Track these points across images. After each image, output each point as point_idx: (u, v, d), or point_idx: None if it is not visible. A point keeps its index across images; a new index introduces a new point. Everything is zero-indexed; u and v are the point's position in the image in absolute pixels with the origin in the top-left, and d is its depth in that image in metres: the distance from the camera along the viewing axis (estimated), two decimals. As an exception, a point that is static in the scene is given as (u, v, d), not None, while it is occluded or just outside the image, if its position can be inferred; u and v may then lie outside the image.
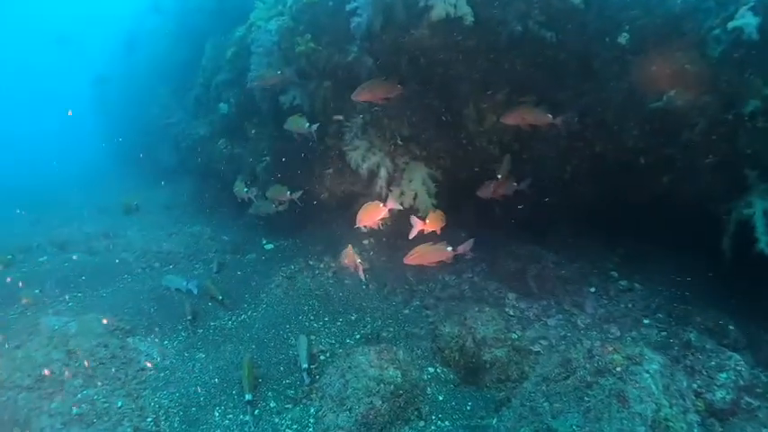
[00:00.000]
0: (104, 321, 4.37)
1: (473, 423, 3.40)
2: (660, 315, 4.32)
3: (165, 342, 4.47)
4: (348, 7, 3.80)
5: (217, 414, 3.52)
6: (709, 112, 3.44)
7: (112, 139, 13.21)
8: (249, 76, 5.14)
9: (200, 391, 3.74)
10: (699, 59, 3.31)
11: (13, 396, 3.39)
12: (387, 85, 3.82)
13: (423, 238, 3.84)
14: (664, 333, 4.06)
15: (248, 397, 3.52)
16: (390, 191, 4.53)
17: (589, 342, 3.93)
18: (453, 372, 3.88)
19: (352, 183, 5.35)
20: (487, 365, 3.73)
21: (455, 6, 3.37)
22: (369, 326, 4.61)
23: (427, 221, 3.66)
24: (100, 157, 14.61)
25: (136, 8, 12.12)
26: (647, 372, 2.85)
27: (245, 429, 3.38)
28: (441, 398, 3.61)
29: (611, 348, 3.11)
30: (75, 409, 3.28)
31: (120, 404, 3.44)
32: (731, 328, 3.84)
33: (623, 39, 3.74)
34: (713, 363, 3.24)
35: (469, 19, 3.46)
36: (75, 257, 6.50)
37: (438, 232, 3.72)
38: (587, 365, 3.12)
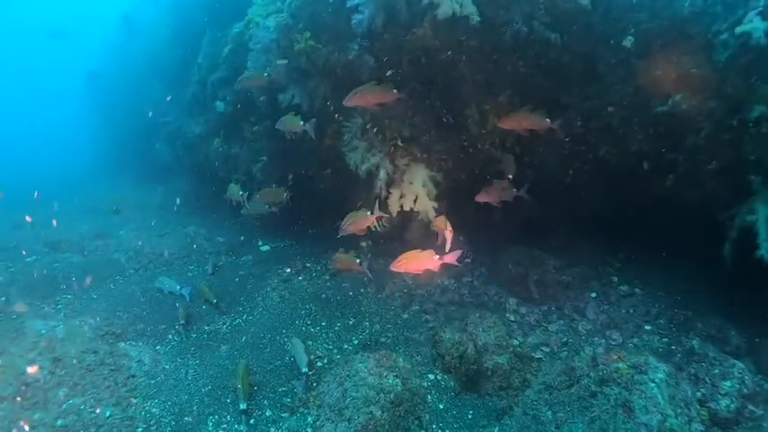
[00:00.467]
0: (93, 324, 4.24)
1: (474, 432, 3.33)
2: (661, 321, 4.28)
3: (158, 347, 4.35)
4: (349, 4, 3.71)
5: (210, 424, 3.40)
6: (715, 118, 3.40)
7: (106, 136, 13.00)
8: (244, 75, 5.04)
9: (193, 399, 3.62)
10: (705, 64, 3.27)
11: (-6, 406, 3.25)
12: (380, 90, 3.63)
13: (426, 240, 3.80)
14: (665, 340, 4.02)
15: (243, 406, 3.41)
16: (390, 193, 4.44)
17: (591, 349, 3.87)
18: (454, 379, 3.80)
19: (351, 184, 5.25)
20: (489, 373, 3.66)
21: (461, 5, 3.30)
22: (367, 331, 4.52)
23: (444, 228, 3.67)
24: (93, 154, 14.38)
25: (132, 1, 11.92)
26: (653, 381, 2.79)
27: (240, 440, 3.28)
28: (441, 406, 3.53)
29: (615, 357, 3.06)
30: (59, 421, 3.13)
31: (108, 414, 3.31)
32: (732, 334, 3.81)
33: (628, 42, 3.70)
34: (717, 371, 3.20)
35: (475, 18, 3.39)
36: (65, 258, 6.34)
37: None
38: (591, 374, 3.06)
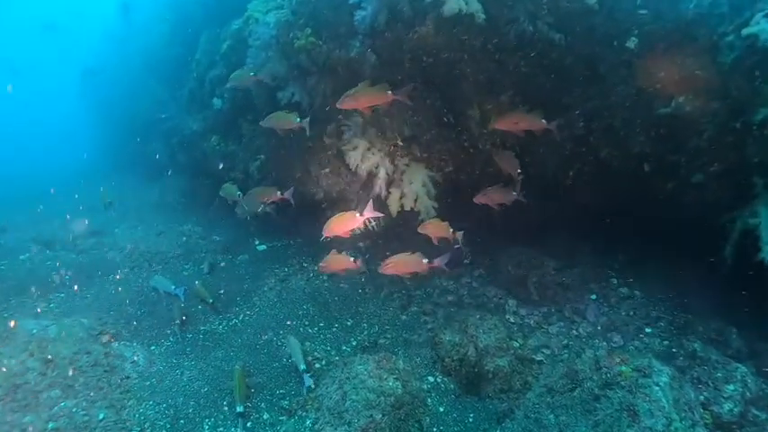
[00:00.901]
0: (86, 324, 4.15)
1: (475, 435, 3.29)
2: (661, 324, 4.27)
3: (152, 347, 4.27)
4: (351, 1, 3.66)
5: (206, 427, 3.33)
6: (718, 120, 3.39)
7: (102, 133, 12.84)
8: (231, 75, 4.93)
9: (188, 401, 3.55)
10: (710, 66, 3.25)
11: (-16, 408, 3.16)
12: (374, 92, 3.50)
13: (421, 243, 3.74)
14: (666, 342, 4.01)
15: (240, 408, 3.34)
16: (390, 192, 4.39)
17: (593, 352, 3.86)
18: (454, 381, 3.76)
19: (350, 183, 5.21)
20: (490, 375, 3.62)
21: (466, 2, 3.25)
22: (366, 332, 4.47)
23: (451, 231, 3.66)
24: (88, 152, 14.19)
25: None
26: (657, 384, 2.77)
27: (237, 443, 3.22)
28: (442, 409, 3.49)
29: (618, 359, 3.03)
30: (51, 424, 3.05)
31: (101, 417, 3.23)
32: (733, 337, 3.80)
33: (632, 43, 3.68)
34: (719, 374, 3.18)
35: (481, 16, 3.35)
36: (59, 255, 6.24)
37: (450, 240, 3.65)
38: (594, 377, 3.03)
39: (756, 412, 2.96)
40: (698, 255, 4.34)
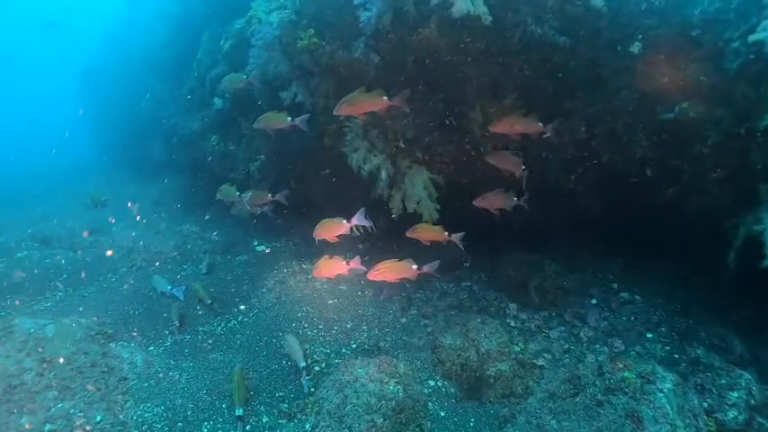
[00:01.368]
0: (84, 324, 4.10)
1: (476, 440, 3.26)
2: (663, 329, 4.25)
3: (151, 348, 4.22)
4: (356, 1, 3.64)
5: (205, 430, 3.28)
6: (723, 126, 3.38)
7: (102, 132, 12.77)
8: (223, 78, 4.98)
9: (187, 403, 3.51)
10: (714, 72, 3.25)
11: (-21, 409, 3.10)
12: (370, 98, 3.45)
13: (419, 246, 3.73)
14: (668, 348, 3.99)
15: (239, 412, 3.30)
16: (392, 195, 4.37)
17: (594, 356, 3.85)
18: (455, 385, 3.74)
19: (350, 185, 5.18)
20: (491, 380, 3.60)
21: (473, 4, 3.24)
22: (365, 335, 4.44)
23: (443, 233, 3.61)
24: (88, 150, 14.14)
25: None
26: (661, 391, 2.75)
27: (236, 447, 3.18)
28: (443, 414, 3.46)
29: (621, 365, 3.01)
30: (48, 426, 3.00)
31: (99, 419, 3.18)
32: (736, 344, 3.79)
33: (636, 48, 3.68)
34: (723, 381, 3.16)
35: (488, 18, 3.34)
36: (56, 254, 6.18)
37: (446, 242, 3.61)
38: (597, 382, 3.01)
39: (761, 420, 2.94)
40: (699, 260, 4.35)
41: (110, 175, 11.07)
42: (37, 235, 6.93)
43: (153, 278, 5.31)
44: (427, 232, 3.65)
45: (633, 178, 4.23)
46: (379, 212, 4.72)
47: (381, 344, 4.32)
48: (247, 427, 3.31)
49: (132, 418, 3.29)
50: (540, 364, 3.86)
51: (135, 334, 4.39)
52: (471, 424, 3.40)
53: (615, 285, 4.89)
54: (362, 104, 3.48)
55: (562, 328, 4.41)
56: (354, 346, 4.30)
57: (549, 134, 3.70)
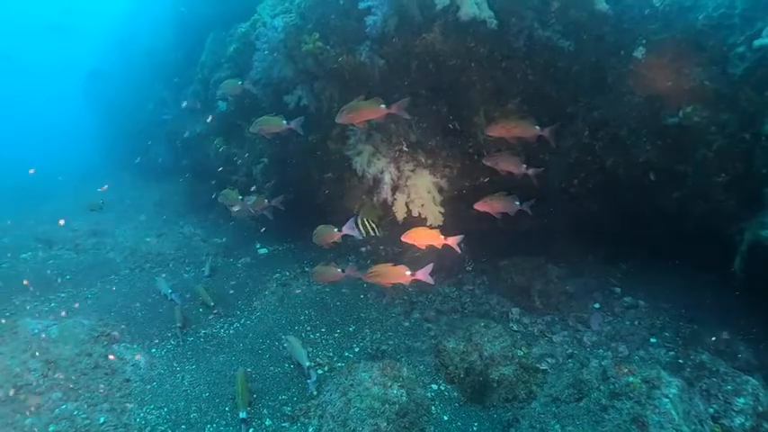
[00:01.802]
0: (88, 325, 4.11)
1: (479, 445, 3.25)
2: (667, 334, 4.23)
3: (153, 350, 4.22)
4: (361, 6, 3.66)
5: (208, 432, 3.29)
6: (728, 130, 3.38)
7: (106, 134, 12.83)
8: (221, 84, 5.03)
9: (190, 406, 3.50)
10: (719, 76, 3.26)
11: (-16, 409, 3.11)
12: (368, 107, 3.49)
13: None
14: (672, 353, 3.97)
15: (243, 415, 3.30)
16: (395, 198, 4.38)
17: (598, 361, 3.83)
18: (458, 389, 3.72)
19: (353, 188, 5.19)
20: (494, 384, 3.58)
21: (479, 8, 3.26)
22: (368, 338, 4.43)
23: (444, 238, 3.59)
24: (92, 152, 14.20)
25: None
26: (667, 396, 2.73)
27: (240, 450, 3.17)
28: (446, 417, 3.44)
29: (626, 370, 3.00)
30: (52, 427, 3.00)
31: (102, 420, 3.18)
32: (742, 349, 3.76)
33: (639, 52, 3.69)
34: (729, 387, 3.14)
35: (493, 22, 3.35)
36: (60, 255, 6.20)
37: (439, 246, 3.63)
38: (602, 387, 3.00)
39: (768, 427, 2.92)
40: (704, 265, 4.33)
41: (113, 176, 11.11)
42: (41, 236, 6.96)
43: (156, 280, 5.33)
44: (423, 236, 3.61)
45: (637, 182, 4.23)
46: (383, 215, 4.72)
47: (384, 347, 4.31)
48: (250, 430, 3.31)
49: (135, 420, 3.29)
50: (543, 368, 3.84)
51: (138, 336, 4.40)
52: (475, 428, 3.38)
53: (618, 290, 4.87)
54: (362, 113, 3.53)
55: (565, 332, 4.40)
56: (357, 349, 4.30)
57: (546, 137, 3.65)
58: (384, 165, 4.50)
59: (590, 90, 4.04)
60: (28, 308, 4.75)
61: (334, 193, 5.56)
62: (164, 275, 5.63)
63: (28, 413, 3.07)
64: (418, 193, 4.51)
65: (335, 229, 3.81)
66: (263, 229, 5.87)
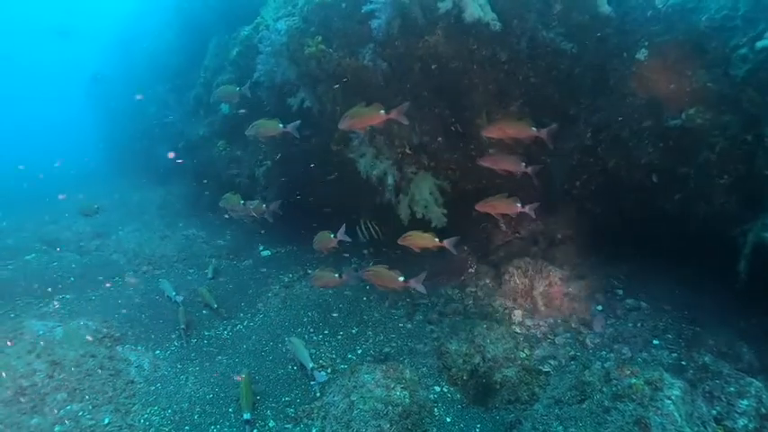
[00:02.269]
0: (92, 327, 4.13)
1: (482, 447, 3.25)
2: (669, 336, 4.22)
3: (157, 352, 4.25)
4: (364, 9, 3.69)
5: (212, 433, 3.31)
6: (730, 132, 3.38)
7: (109, 136, 12.89)
8: (216, 90, 5.14)
9: (194, 407, 3.52)
10: (721, 78, 3.26)
11: (-10, 409, 3.13)
12: (368, 114, 3.54)
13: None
14: (675, 355, 3.96)
15: (247, 416, 3.31)
16: (399, 200, 4.39)
17: (600, 363, 3.83)
18: (461, 391, 3.73)
19: (355, 190, 5.21)
20: (497, 386, 3.59)
21: (483, 11, 3.28)
22: (371, 340, 4.44)
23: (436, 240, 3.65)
24: (95, 154, 14.27)
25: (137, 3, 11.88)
26: (669, 398, 2.73)
27: (243, 451, 3.18)
28: (449, 419, 3.45)
29: (628, 372, 2.99)
30: (57, 427, 3.03)
31: (106, 421, 3.20)
32: (744, 351, 3.75)
33: (642, 54, 3.69)
34: (732, 388, 3.13)
35: (497, 24, 3.37)
36: (64, 257, 6.23)
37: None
38: (605, 389, 2.99)
39: (772, 429, 2.91)
40: (705, 267, 4.33)
41: (117, 178, 11.18)
42: (45, 237, 6.99)
43: (160, 282, 5.35)
44: (418, 240, 3.66)
45: (639, 184, 4.23)
46: (386, 218, 4.74)
47: (387, 349, 4.32)
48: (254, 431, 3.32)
49: (140, 421, 3.31)
50: (545, 370, 3.84)
51: (142, 337, 4.42)
52: (477, 430, 3.38)
53: (621, 292, 4.87)
54: (363, 119, 3.59)
55: (568, 334, 4.39)
56: (360, 351, 4.30)
57: (544, 138, 3.63)
58: (387, 167, 4.52)
59: (592, 92, 4.05)
60: (33, 309, 4.78)
61: (338, 195, 5.58)
62: (167, 277, 5.65)
63: (33, 413, 3.09)
64: (421, 194, 4.53)
65: (331, 235, 4.00)
66: (263, 231, 5.89)
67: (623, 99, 3.92)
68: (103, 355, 3.83)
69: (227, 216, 6.04)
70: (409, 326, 4.69)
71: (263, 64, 4.75)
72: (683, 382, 2.85)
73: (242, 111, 6.13)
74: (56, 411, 3.16)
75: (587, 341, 4.28)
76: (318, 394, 3.59)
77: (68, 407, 3.23)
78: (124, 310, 4.87)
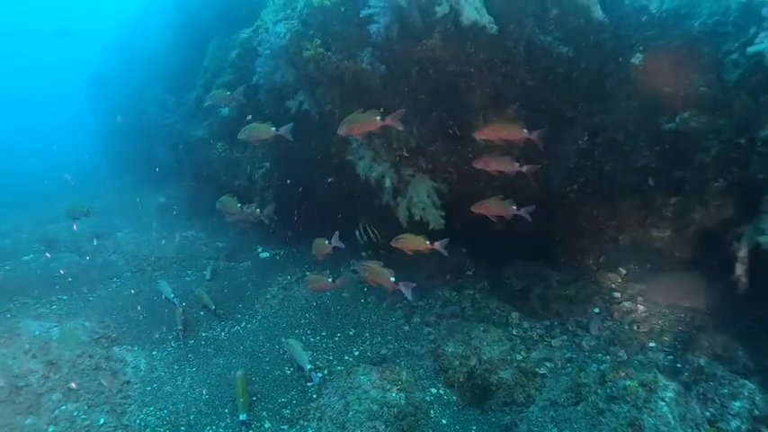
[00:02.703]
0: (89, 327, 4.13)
1: (478, 448, 3.25)
2: (665, 338, 4.24)
3: (154, 353, 4.25)
4: (363, 13, 3.72)
5: (208, 434, 3.31)
6: (724, 136, 3.42)
7: (109, 138, 12.90)
8: (208, 95, 5.24)
9: (190, 408, 3.52)
10: (714, 82, 3.30)
11: (-16, 409, 3.13)
12: (365, 120, 3.60)
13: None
14: (670, 357, 3.98)
15: (243, 417, 3.31)
16: (397, 203, 4.42)
17: (596, 365, 3.85)
18: (457, 393, 3.73)
19: (354, 193, 5.23)
20: (493, 388, 3.60)
21: (479, 14, 3.32)
22: (368, 342, 4.45)
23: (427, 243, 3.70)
24: (95, 156, 14.28)
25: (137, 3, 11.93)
26: (663, 400, 2.74)
27: (239, 452, 3.18)
28: (444, 421, 3.46)
29: (623, 374, 3.00)
30: (51, 427, 3.03)
31: (102, 421, 3.20)
32: (740, 353, 3.77)
33: (637, 59, 3.73)
34: (726, 390, 3.14)
35: (493, 27, 3.40)
36: (62, 257, 6.23)
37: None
38: (599, 391, 3.00)
39: (765, 430, 2.92)
40: (702, 269, 4.35)
41: (115, 180, 11.19)
42: (43, 238, 6.99)
43: (159, 283, 5.35)
44: (410, 242, 3.72)
45: (636, 187, 4.26)
46: (385, 220, 4.75)
47: (384, 351, 4.33)
48: (250, 432, 3.33)
49: (135, 421, 3.31)
50: (542, 372, 3.85)
51: (139, 338, 4.42)
52: (473, 431, 3.39)
53: (618, 294, 4.88)
54: (360, 125, 3.66)
55: (564, 337, 4.40)
56: (357, 353, 4.31)
57: (535, 140, 3.65)
58: (385, 169, 4.55)
59: (588, 96, 4.09)
60: (29, 310, 4.78)
61: (336, 198, 5.60)
62: (166, 279, 5.66)
63: (28, 414, 3.09)
64: (419, 197, 4.55)
65: (326, 242, 4.12)
66: (272, 230, 5.91)
67: (619, 103, 3.96)
68: (100, 355, 3.83)
69: (228, 220, 6.07)
70: (407, 328, 4.70)
71: (262, 66, 4.78)
72: (677, 385, 2.87)
73: (249, 117, 6.17)
74: (50, 411, 3.16)
75: (584, 343, 4.29)
76: (315, 396, 3.59)
77: (63, 407, 3.23)
78: (122, 311, 4.87)
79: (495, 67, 4.03)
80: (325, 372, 3.97)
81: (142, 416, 3.40)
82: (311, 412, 3.36)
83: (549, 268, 5.00)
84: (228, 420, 3.42)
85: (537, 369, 3.90)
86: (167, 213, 8.57)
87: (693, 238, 4.26)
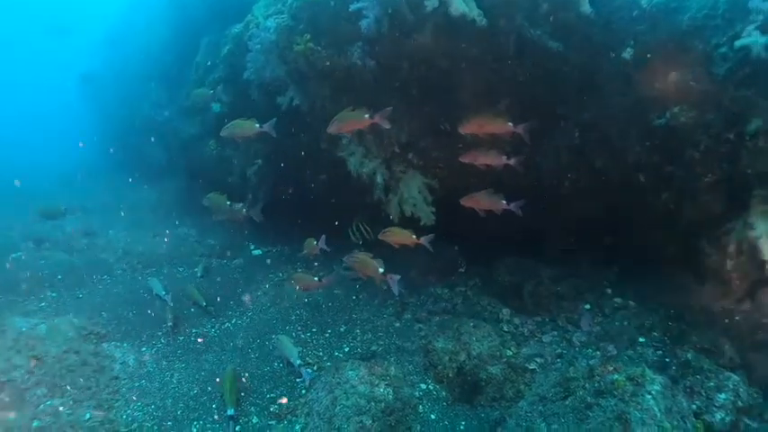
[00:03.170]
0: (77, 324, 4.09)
1: (466, 443, 3.25)
2: (655, 333, 4.25)
3: (143, 349, 4.21)
4: (352, 7, 3.70)
5: (195, 430, 3.28)
6: (713, 131, 3.42)
7: (101, 135, 12.81)
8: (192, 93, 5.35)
9: (177, 403, 3.50)
10: (704, 77, 3.29)
11: (-34, 405, 3.10)
12: (354, 118, 3.62)
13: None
14: (659, 352, 3.99)
15: (231, 412, 3.29)
16: (389, 199, 4.40)
17: (585, 360, 3.85)
18: (446, 389, 3.73)
19: (346, 190, 5.21)
20: (482, 383, 3.59)
21: (467, 6, 3.30)
22: (359, 338, 4.44)
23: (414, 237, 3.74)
24: (88, 153, 14.16)
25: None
26: (650, 393, 2.75)
27: (225, 447, 3.16)
28: (433, 416, 3.45)
29: (611, 368, 3.01)
30: (35, 422, 2.99)
31: (87, 416, 3.17)
32: (726, 348, 3.78)
33: (628, 54, 3.72)
34: (712, 383, 3.16)
35: (483, 21, 3.39)
36: (52, 255, 6.17)
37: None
38: (587, 385, 3.01)
39: (748, 421, 2.94)
40: (693, 265, 4.36)
41: (109, 177, 11.09)
42: (32, 235, 6.93)
43: (149, 280, 5.32)
44: (397, 236, 3.76)
45: (627, 183, 4.26)
46: (377, 216, 4.74)
47: (374, 347, 4.31)
48: (237, 428, 3.30)
49: (122, 416, 3.28)
50: (531, 368, 3.86)
51: (128, 334, 4.39)
52: (462, 427, 3.39)
53: (609, 290, 4.89)
54: (349, 123, 3.68)
55: (555, 332, 4.41)
56: (347, 349, 4.30)
57: (521, 133, 3.64)
58: (376, 165, 4.53)
59: (579, 91, 4.08)
60: (17, 306, 4.73)
61: (328, 194, 5.58)
62: (157, 276, 5.62)
63: (11, 409, 3.06)
64: (410, 193, 4.54)
65: (315, 242, 4.29)
66: (246, 231, 5.90)
67: (610, 98, 3.95)
68: (88, 351, 3.80)
69: (215, 218, 6.03)
70: (398, 324, 4.69)
71: (252, 62, 4.75)
72: (664, 378, 2.88)
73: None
74: (35, 406, 3.12)
75: (574, 339, 4.31)
76: (304, 391, 3.58)
77: (48, 402, 3.20)
78: (112, 308, 4.83)
79: (485, 63, 4.02)
80: (315, 368, 3.95)
81: (129, 411, 3.37)
82: (299, 407, 3.35)
83: (541, 264, 5.00)
84: (216, 416, 3.40)
85: (527, 364, 3.90)
86: (160, 210, 8.52)
87: (683, 233, 4.27)
